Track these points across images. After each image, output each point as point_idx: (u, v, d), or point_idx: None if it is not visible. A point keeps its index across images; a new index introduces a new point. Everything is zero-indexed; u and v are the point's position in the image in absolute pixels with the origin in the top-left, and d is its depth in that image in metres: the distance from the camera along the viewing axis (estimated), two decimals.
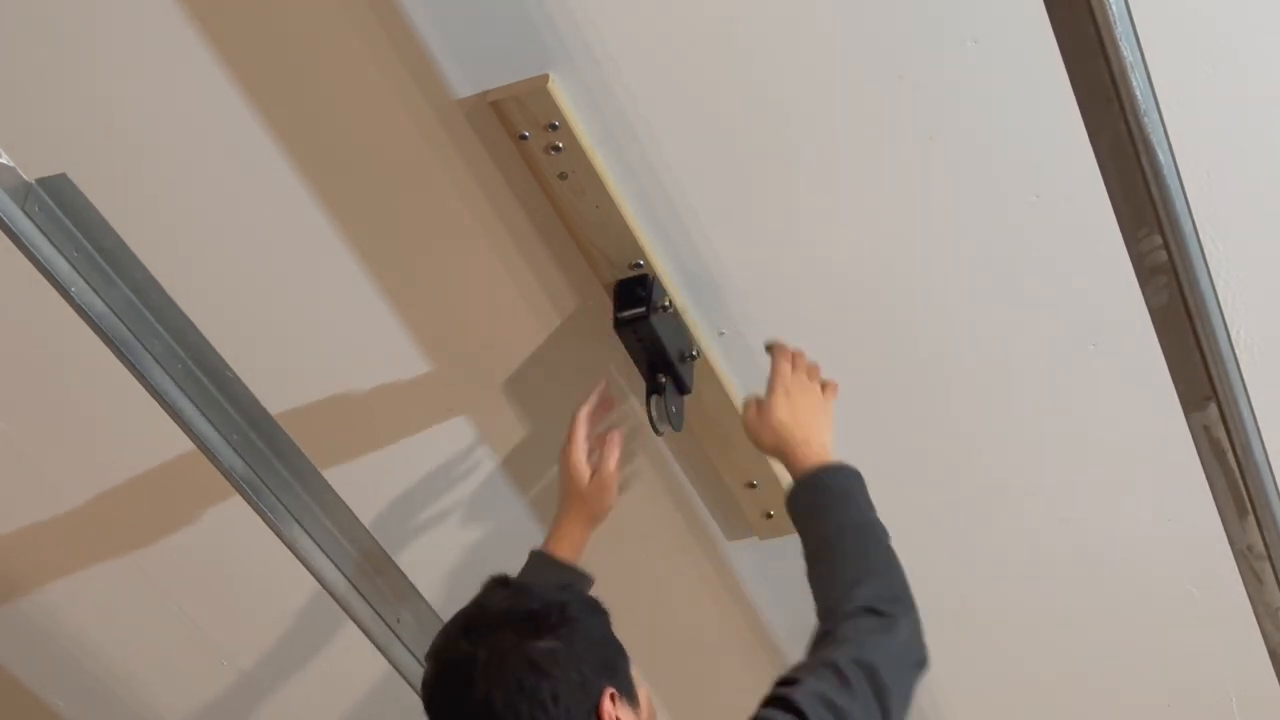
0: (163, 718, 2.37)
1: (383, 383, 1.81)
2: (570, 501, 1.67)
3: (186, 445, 1.81)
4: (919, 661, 1.38)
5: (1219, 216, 1.50)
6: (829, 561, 1.45)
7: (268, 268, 1.70)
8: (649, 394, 1.66)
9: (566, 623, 1.23)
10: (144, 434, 1.89)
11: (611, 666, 1.26)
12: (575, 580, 1.60)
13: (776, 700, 1.27)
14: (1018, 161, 1.49)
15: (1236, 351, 1.51)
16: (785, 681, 1.30)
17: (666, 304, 1.63)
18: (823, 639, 1.36)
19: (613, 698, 1.23)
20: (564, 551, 1.64)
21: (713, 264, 1.63)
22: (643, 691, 1.30)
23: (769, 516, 1.86)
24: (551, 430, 1.82)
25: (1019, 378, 1.69)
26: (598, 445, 1.68)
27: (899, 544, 1.91)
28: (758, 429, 1.56)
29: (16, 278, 1.65)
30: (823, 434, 1.56)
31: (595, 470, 1.66)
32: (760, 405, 1.57)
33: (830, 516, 1.48)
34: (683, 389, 1.67)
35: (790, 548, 1.88)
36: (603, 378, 1.71)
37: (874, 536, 1.48)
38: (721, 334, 1.70)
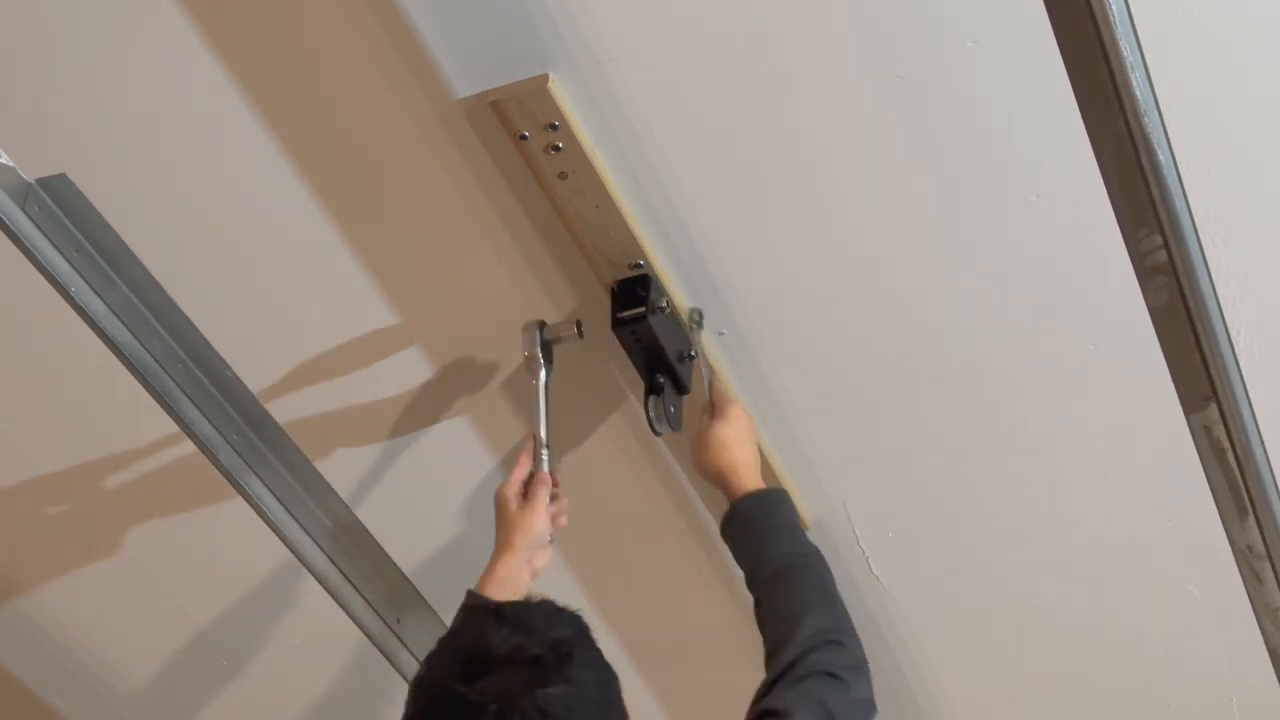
0: (163, 717, 2.38)
1: (382, 382, 1.81)
2: (501, 533, 1.61)
3: (187, 446, 1.82)
4: (873, 703, 1.40)
5: (1219, 216, 1.50)
6: (784, 589, 1.46)
7: (267, 268, 1.70)
8: (647, 395, 1.66)
9: (570, 664, 1.20)
10: (144, 434, 1.89)
11: (611, 701, 1.25)
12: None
13: None
14: (1018, 161, 1.49)
15: (1236, 351, 1.51)
16: (774, 714, 1.30)
17: (665, 304, 1.63)
18: (793, 666, 1.36)
19: None
20: (498, 591, 1.56)
21: (713, 264, 1.63)
22: (630, 710, 1.29)
23: None
24: (551, 429, 1.82)
25: (1019, 378, 1.69)
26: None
27: (901, 544, 1.92)
28: (706, 453, 1.60)
29: (16, 278, 1.66)
30: (755, 453, 1.61)
31: (526, 498, 1.61)
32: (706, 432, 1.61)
33: (776, 541, 1.49)
34: (681, 389, 1.67)
35: None
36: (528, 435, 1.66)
37: (822, 565, 1.49)
38: (722, 334, 1.70)
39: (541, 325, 1.65)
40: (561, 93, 1.47)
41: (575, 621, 1.27)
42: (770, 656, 1.40)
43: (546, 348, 1.64)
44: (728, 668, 2.04)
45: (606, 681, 1.25)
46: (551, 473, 1.64)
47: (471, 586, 1.56)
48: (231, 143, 1.57)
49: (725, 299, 1.66)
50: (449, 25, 1.44)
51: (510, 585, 1.57)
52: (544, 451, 1.63)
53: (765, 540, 1.50)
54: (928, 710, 2.14)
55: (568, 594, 2.02)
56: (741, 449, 1.60)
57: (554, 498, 1.63)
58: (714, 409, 1.64)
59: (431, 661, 1.23)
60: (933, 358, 1.69)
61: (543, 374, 1.63)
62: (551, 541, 1.63)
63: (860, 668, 1.39)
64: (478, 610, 1.25)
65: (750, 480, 1.58)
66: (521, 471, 1.63)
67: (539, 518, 1.59)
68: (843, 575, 1.93)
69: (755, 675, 1.42)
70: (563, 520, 1.64)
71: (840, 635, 1.41)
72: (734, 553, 1.55)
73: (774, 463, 1.80)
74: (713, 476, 1.61)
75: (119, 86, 1.55)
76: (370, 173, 1.59)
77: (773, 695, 1.34)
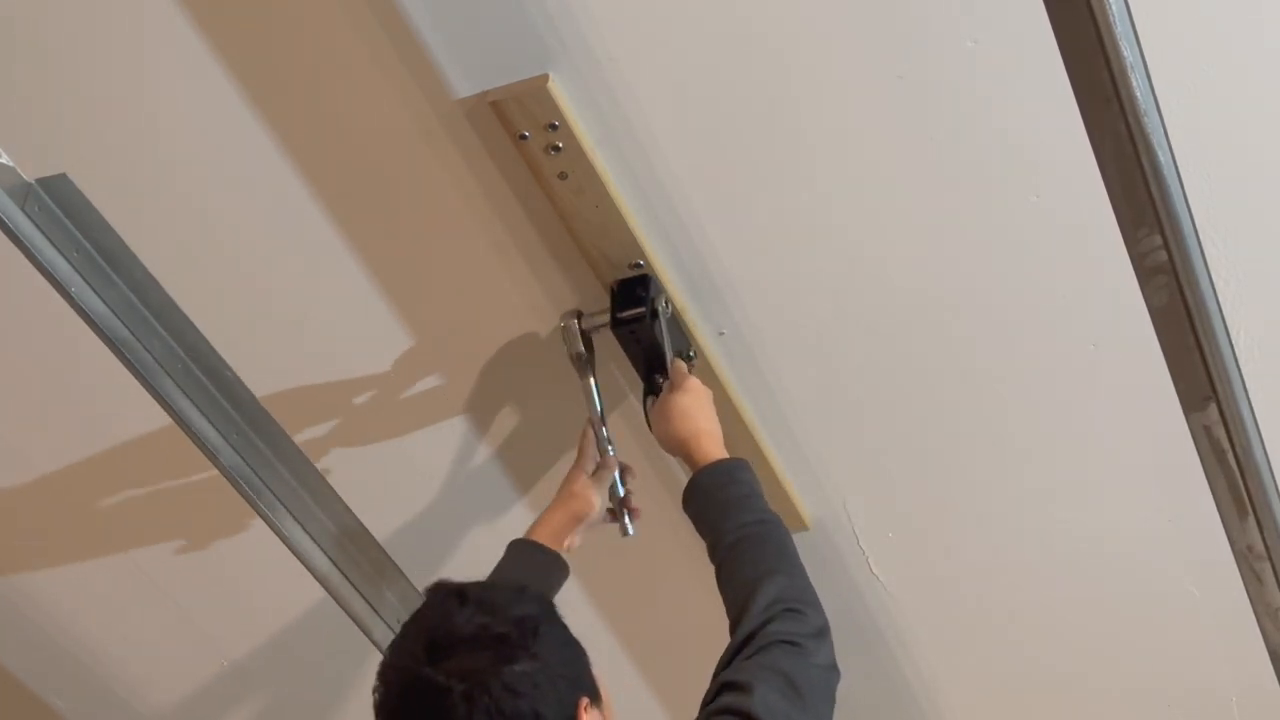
0: (163, 717, 2.38)
1: (382, 380, 1.81)
2: (558, 496, 1.68)
3: (187, 446, 1.81)
4: (835, 667, 1.40)
5: (1219, 216, 1.50)
6: (742, 558, 1.46)
7: (267, 268, 1.70)
8: (646, 395, 1.66)
9: (536, 640, 1.21)
10: (144, 435, 1.89)
11: (579, 675, 1.26)
12: (549, 570, 1.60)
13: (731, 712, 1.28)
14: (1018, 161, 1.49)
15: (1236, 351, 1.51)
16: (734, 686, 1.30)
17: (665, 304, 1.63)
18: (752, 637, 1.36)
19: (586, 707, 1.23)
20: (543, 539, 1.63)
21: (713, 264, 1.63)
22: (602, 686, 1.30)
23: None
24: (551, 429, 1.82)
25: (1019, 378, 1.69)
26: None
27: (901, 544, 1.92)
28: (665, 423, 1.60)
29: (16, 278, 1.66)
30: (714, 422, 1.61)
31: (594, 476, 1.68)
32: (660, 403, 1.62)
33: (735, 512, 1.50)
34: None
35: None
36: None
37: (780, 531, 1.49)
38: (722, 334, 1.70)
39: (579, 315, 1.67)
40: (561, 93, 1.47)
41: (539, 600, 1.28)
42: (732, 627, 1.40)
43: (587, 338, 1.67)
44: None
45: (574, 658, 1.26)
46: (623, 466, 1.69)
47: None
48: (231, 142, 1.57)
49: (725, 299, 1.66)
50: (449, 25, 1.44)
51: (553, 539, 1.63)
52: (608, 446, 1.67)
53: (724, 510, 1.50)
54: (928, 710, 2.14)
55: (567, 593, 2.02)
56: (699, 416, 1.59)
57: (627, 498, 1.69)
58: (671, 384, 1.64)
59: (396, 646, 1.24)
60: (933, 358, 1.69)
61: (592, 379, 1.67)
62: (630, 534, 1.68)
63: (821, 634, 1.39)
64: (440, 592, 1.26)
65: (711, 448, 1.57)
66: (592, 449, 1.68)
67: (596, 496, 1.65)
68: (843, 575, 1.93)
69: None
70: (637, 517, 1.70)
71: (799, 603, 1.40)
72: (695, 524, 1.55)
73: (774, 463, 1.80)
74: (674, 447, 1.60)
75: (119, 86, 1.55)
76: (370, 172, 1.59)
77: (733, 667, 1.34)
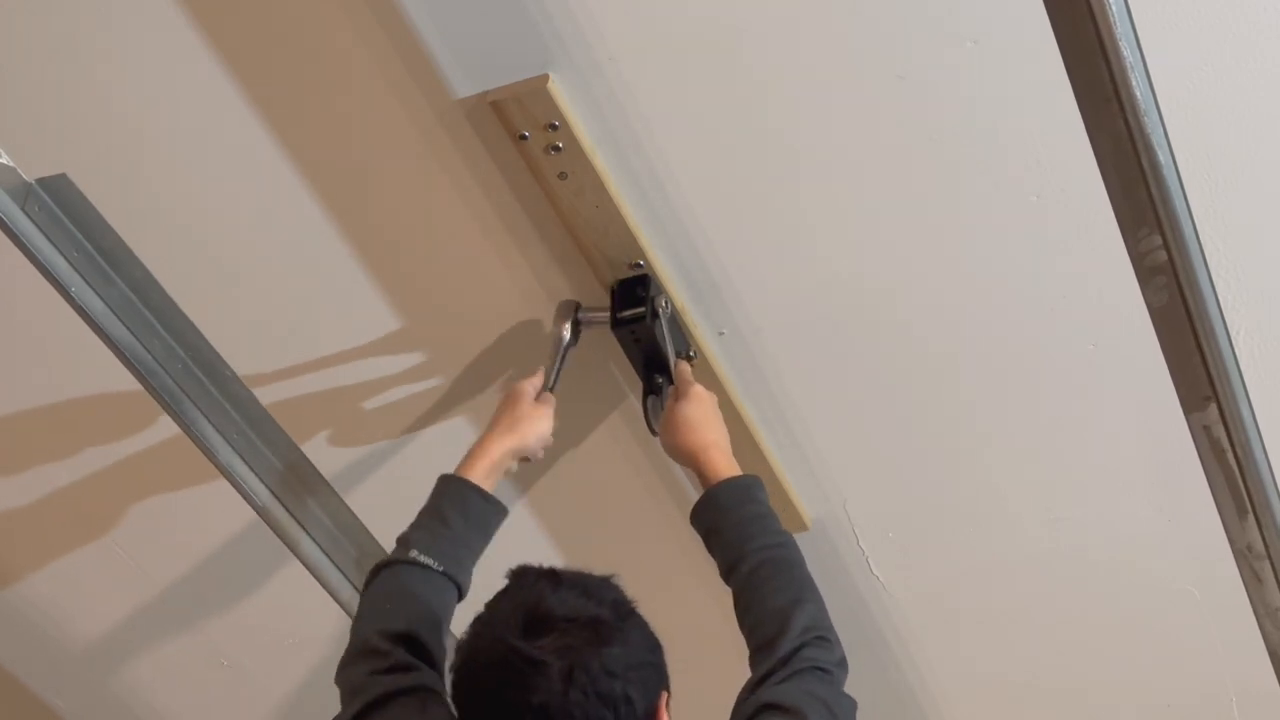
0: (163, 717, 2.38)
1: (382, 382, 1.81)
2: (505, 419, 1.60)
3: (186, 445, 1.81)
4: (852, 698, 1.41)
5: (1219, 216, 1.50)
6: (768, 582, 1.46)
7: (267, 267, 1.70)
8: (645, 395, 1.66)
9: (632, 626, 1.23)
10: (144, 433, 1.89)
11: (661, 667, 1.28)
12: (495, 514, 1.55)
13: None
14: (1018, 161, 1.49)
15: (1236, 351, 1.51)
16: (782, 709, 1.30)
17: (665, 304, 1.63)
18: (787, 660, 1.37)
19: (666, 702, 1.25)
20: (479, 478, 1.55)
21: (713, 264, 1.63)
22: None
23: None
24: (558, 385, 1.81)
25: (1019, 378, 1.69)
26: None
27: (901, 544, 1.92)
28: (674, 435, 1.58)
29: (16, 278, 1.66)
30: (721, 433, 1.60)
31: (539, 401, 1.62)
32: (670, 414, 1.60)
33: (754, 533, 1.49)
34: None
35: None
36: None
37: (798, 554, 1.49)
38: (721, 334, 1.70)
39: (577, 306, 1.67)
40: (561, 93, 1.47)
41: (623, 590, 1.29)
42: (759, 651, 1.40)
43: (576, 328, 1.66)
44: (727, 666, 2.04)
45: (657, 648, 1.28)
46: None
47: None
48: (231, 142, 1.57)
49: (725, 299, 1.66)
50: (449, 25, 1.44)
51: (493, 474, 1.57)
52: (554, 384, 1.64)
53: (743, 531, 1.49)
54: (928, 710, 2.14)
55: None
56: (706, 426, 1.59)
57: None
58: (676, 391, 1.64)
59: (484, 620, 1.24)
60: (933, 357, 1.69)
61: (566, 338, 1.65)
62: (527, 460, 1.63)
63: (843, 663, 1.41)
64: (529, 574, 1.26)
65: (722, 462, 1.56)
66: (541, 379, 1.64)
67: (547, 422, 1.61)
68: (843, 575, 1.93)
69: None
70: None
71: (826, 631, 1.41)
72: (707, 540, 1.53)
73: (774, 463, 1.80)
74: (684, 458, 1.59)
75: (119, 86, 1.55)
76: (370, 173, 1.59)
77: (770, 689, 1.34)
